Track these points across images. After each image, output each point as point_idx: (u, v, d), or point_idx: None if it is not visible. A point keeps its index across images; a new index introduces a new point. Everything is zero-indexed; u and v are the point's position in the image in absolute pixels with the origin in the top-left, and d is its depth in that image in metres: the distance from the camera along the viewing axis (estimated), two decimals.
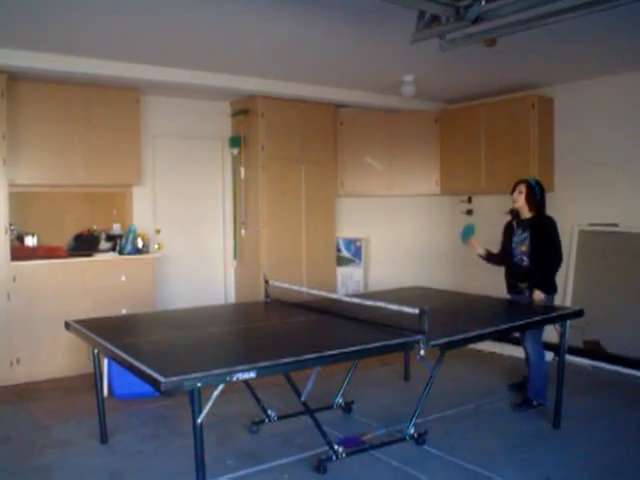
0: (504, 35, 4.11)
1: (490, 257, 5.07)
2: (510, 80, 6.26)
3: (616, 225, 5.91)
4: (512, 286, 4.94)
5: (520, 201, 4.82)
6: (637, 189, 5.78)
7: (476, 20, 3.70)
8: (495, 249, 5.09)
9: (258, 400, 4.36)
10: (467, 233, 5.09)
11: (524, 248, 4.80)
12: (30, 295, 5.41)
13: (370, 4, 3.82)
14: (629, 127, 5.84)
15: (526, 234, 4.79)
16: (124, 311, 5.58)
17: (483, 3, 3.55)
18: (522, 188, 4.81)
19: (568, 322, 4.45)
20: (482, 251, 5.06)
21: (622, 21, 4.29)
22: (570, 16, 3.63)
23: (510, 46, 4.79)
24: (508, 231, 5.00)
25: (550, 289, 4.75)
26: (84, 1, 3.89)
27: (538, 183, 4.88)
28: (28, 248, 5.68)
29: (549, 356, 5.55)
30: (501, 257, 5.02)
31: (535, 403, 4.68)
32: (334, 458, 3.64)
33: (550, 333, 4.92)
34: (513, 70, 5.87)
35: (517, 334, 5.18)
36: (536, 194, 4.79)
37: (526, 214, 4.84)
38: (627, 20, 4.27)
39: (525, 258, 4.80)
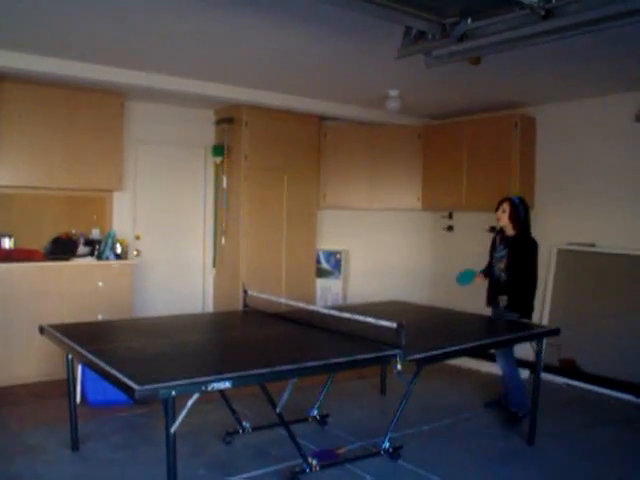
0: (489, 54, 4.17)
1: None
2: (493, 98, 6.32)
3: (593, 245, 5.97)
4: (490, 299, 4.99)
5: (504, 220, 4.85)
6: (614, 210, 5.86)
7: (462, 38, 3.75)
8: (476, 265, 5.16)
9: (233, 410, 4.33)
10: (465, 280, 5.07)
11: (502, 265, 4.86)
12: (5, 298, 5.32)
13: (358, 19, 3.84)
14: (609, 149, 5.92)
15: (505, 252, 4.85)
16: (100, 317, 5.52)
17: (469, 21, 3.61)
18: (505, 207, 4.84)
19: (544, 340, 4.48)
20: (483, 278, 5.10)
21: (604, 45, 4.36)
22: (554, 38, 3.68)
23: (494, 65, 4.84)
24: (492, 246, 5.07)
25: (526, 310, 4.78)
26: (71, 4, 3.87)
27: (522, 201, 4.90)
28: (4, 250, 5.59)
29: (525, 374, 5.59)
30: (486, 270, 5.11)
31: (520, 414, 4.67)
32: (308, 471, 3.61)
33: (526, 351, 4.95)
34: (497, 89, 5.93)
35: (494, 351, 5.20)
36: (519, 212, 4.82)
37: (510, 232, 4.88)
38: (609, 45, 4.34)
39: (503, 274, 4.85)
